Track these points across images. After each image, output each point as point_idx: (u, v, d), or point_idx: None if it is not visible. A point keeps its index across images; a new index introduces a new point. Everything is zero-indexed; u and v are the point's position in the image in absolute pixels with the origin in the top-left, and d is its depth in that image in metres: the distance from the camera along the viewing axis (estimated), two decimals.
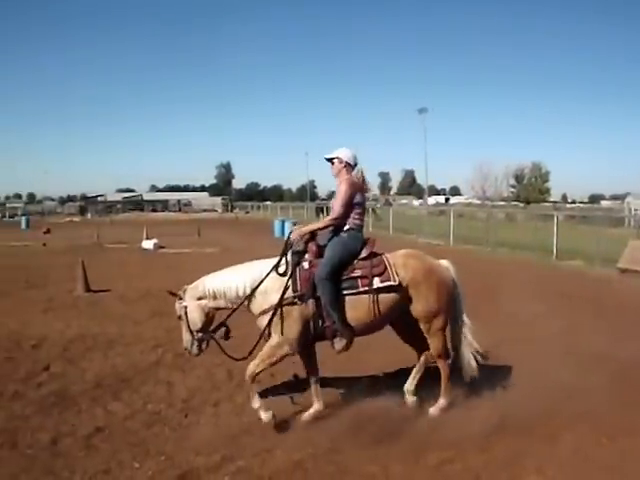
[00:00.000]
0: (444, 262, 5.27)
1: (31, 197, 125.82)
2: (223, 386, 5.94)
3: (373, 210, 40.28)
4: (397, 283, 4.83)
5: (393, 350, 5.98)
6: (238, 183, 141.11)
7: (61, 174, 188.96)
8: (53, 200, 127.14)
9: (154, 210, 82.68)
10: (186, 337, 5.09)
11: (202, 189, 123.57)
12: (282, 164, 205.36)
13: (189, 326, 5.05)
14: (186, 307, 5.09)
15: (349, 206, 4.89)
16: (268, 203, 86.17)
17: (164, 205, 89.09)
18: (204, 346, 5.13)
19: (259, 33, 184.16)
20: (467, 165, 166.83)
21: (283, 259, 4.94)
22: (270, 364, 4.86)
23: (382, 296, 4.82)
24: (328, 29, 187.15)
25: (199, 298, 5.07)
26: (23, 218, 43.56)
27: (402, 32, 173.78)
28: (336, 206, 4.89)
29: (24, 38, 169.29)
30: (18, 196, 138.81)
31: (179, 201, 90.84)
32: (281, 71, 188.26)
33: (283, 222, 28.16)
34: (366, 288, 4.80)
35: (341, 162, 5.00)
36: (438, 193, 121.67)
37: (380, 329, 5.09)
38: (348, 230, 4.94)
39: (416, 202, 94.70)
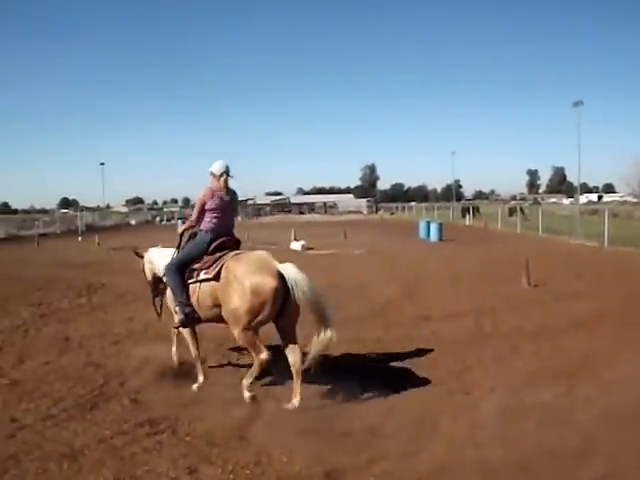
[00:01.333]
0: (284, 268, 5.34)
1: (186, 202, 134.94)
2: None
3: (521, 209, 38.15)
4: (211, 277, 5.49)
5: None
6: (383, 184, 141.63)
7: None
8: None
9: (301, 212, 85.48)
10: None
11: (347, 191, 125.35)
12: (427, 164, 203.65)
13: (146, 280, 6.73)
14: (143, 264, 6.78)
15: (201, 212, 5.82)
16: (413, 204, 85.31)
17: (310, 207, 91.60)
18: (157, 306, 6.61)
19: (401, 34, 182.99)
20: (622, 161, 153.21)
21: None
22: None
23: (203, 286, 5.58)
24: (478, 22, 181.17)
25: (148, 261, 6.65)
26: (179, 221, 46.72)
27: (554, 23, 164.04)
28: (193, 212, 5.98)
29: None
30: (174, 201, 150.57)
31: (325, 203, 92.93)
32: (425, 70, 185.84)
33: (428, 223, 27.20)
34: (194, 279, 5.67)
35: (210, 174, 5.84)
36: (590, 191, 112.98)
37: (219, 320, 5.56)
38: (200, 231, 5.85)
39: (566, 201, 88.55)
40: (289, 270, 5.34)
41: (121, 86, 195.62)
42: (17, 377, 6.39)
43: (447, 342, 7.48)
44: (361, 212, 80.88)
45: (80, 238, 32.15)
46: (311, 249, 21.26)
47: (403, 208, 76.18)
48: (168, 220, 66.78)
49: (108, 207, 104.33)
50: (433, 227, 25.75)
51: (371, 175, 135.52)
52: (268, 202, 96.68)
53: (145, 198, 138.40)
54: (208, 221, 5.81)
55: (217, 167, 5.81)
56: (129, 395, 5.71)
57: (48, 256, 21.42)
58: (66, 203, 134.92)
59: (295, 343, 5.41)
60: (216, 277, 5.47)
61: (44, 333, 8.51)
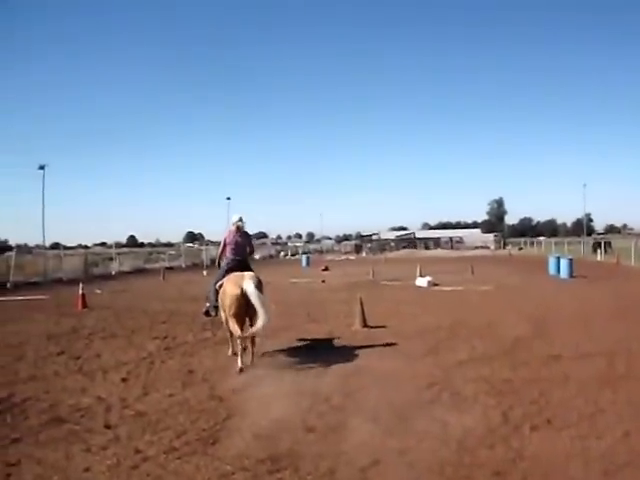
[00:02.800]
0: (244, 279, 8.52)
1: (310, 236, 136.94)
2: (498, 429, 5.73)
3: None
4: (219, 287, 9.11)
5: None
6: (511, 219, 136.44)
7: (337, 214, 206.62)
8: (330, 239, 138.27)
9: (426, 247, 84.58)
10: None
11: (474, 225, 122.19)
12: (556, 197, 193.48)
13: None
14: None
15: (224, 246, 9.68)
16: (542, 239, 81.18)
17: (436, 242, 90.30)
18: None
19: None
20: None
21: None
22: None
23: (219, 297, 9.05)
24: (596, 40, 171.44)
25: None
26: (304, 256, 48.01)
27: None
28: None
29: None
30: (299, 236, 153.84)
31: (451, 238, 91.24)
32: (554, 101, 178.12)
33: (558, 259, 25.79)
34: (217, 288, 9.22)
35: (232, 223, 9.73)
36: None
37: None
38: (225, 260, 9.63)
39: None
40: (248, 285, 8.39)
41: (245, 123, 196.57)
42: (141, 409, 6.55)
43: (578, 383, 7.17)
44: (488, 247, 78.47)
45: (205, 272, 33.48)
46: (437, 285, 21.06)
47: (532, 243, 72.85)
48: (293, 255, 68.94)
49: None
50: (563, 263, 24.47)
51: (498, 209, 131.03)
52: (393, 237, 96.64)
53: (269, 232, 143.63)
54: (229, 252, 9.53)
55: (234, 218, 9.67)
56: (251, 430, 5.76)
57: (173, 290, 22.56)
58: (192, 237, 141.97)
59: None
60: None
61: (168, 366, 8.74)
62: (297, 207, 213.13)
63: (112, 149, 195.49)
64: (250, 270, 9.15)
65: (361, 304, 12.03)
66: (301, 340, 10.52)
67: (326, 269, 34.83)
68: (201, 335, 11.50)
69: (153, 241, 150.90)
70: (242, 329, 8.51)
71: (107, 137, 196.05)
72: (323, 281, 25.12)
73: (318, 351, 9.47)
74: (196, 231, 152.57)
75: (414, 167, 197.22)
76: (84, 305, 16.39)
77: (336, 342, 10.28)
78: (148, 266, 41.60)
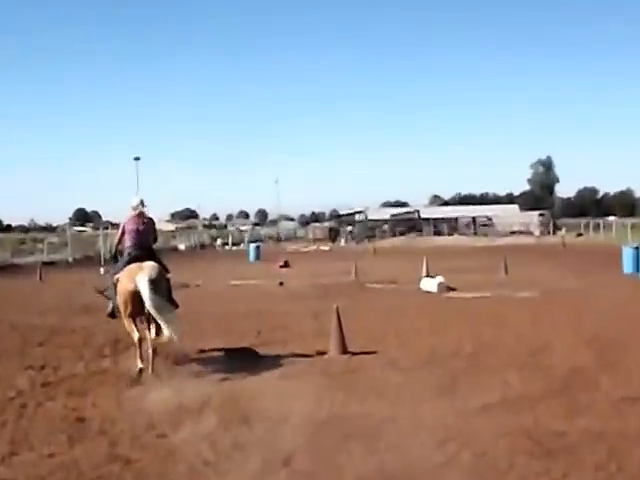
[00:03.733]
0: (139, 276, 10.21)
1: (262, 216, 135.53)
2: None
3: None
4: (115, 281, 10.94)
5: None
6: (564, 189, 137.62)
7: (302, 184, 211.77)
8: (292, 220, 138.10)
9: (437, 233, 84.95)
10: None
11: (509, 200, 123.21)
12: (633, 158, 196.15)
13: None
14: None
15: (122, 234, 11.51)
16: (612, 219, 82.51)
17: (451, 225, 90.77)
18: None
19: None
20: None
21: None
22: None
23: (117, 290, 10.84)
24: None
25: None
26: (252, 246, 48.32)
27: None
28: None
29: None
30: (244, 215, 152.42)
31: (474, 219, 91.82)
32: None
33: (637, 250, 26.13)
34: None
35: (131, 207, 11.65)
36: None
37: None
38: (126, 250, 11.39)
39: None
40: (141, 280, 10.16)
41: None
42: (7, 476, 6.51)
43: None
44: (531, 232, 79.27)
45: (103, 270, 33.25)
46: (453, 290, 21.18)
47: (597, 226, 74.01)
48: (235, 244, 68.79)
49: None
50: None
51: (546, 175, 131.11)
52: (386, 217, 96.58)
53: (200, 210, 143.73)
54: (127, 240, 11.39)
55: (133, 202, 11.61)
56: None
57: (56, 295, 22.50)
58: (83, 217, 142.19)
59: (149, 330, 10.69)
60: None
61: (48, 410, 8.76)
62: (242, 172, 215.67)
63: None
64: (155, 261, 11.09)
65: (338, 318, 12.02)
66: (248, 374, 10.49)
67: (286, 265, 34.88)
68: (96, 364, 11.49)
69: (25, 223, 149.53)
70: (139, 330, 10.61)
71: None
72: (281, 283, 25.32)
73: (273, 391, 9.43)
74: (89, 208, 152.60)
75: (417, 113, 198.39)
76: None
77: (300, 376, 10.27)
78: (17, 260, 41.65)
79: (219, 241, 71.65)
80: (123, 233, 11.58)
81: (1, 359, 11.96)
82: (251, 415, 8.31)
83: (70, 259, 44.47)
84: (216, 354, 12.06)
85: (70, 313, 17.64)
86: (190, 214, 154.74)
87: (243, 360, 11.45)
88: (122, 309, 10.60)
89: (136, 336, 10.42)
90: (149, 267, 10.39)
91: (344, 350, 11.81)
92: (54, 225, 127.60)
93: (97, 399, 9.24)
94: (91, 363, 11.61)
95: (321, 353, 11.89)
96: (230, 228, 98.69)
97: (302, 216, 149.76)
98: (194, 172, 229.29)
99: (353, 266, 27.02)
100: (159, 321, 10.16)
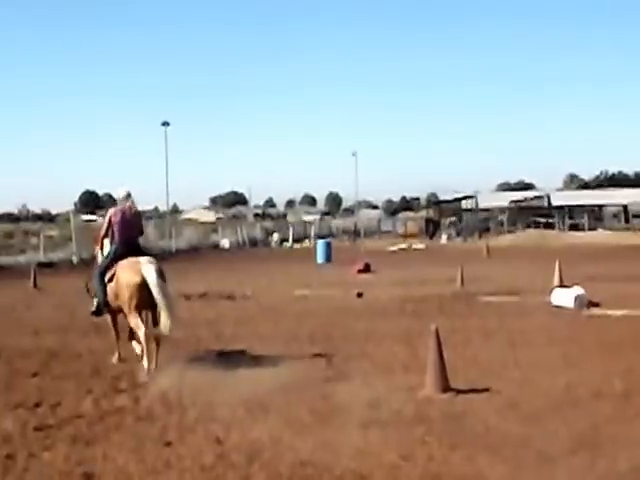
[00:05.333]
0: (145, 268, 13.21)
1: (333, 201, 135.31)
2: None
3: None
4: (109, 277, 13.73)
5: None
6: None
7: (388, 160, 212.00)
8: (375, 208, 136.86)
9: (574, 226, 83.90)
10: None
11: None
12: None
13: None
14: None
15: (108, 228, 14.24)
16: None
17: (595, 215, 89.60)
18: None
19: None
20: None
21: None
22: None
23: (110, 286, 13.66)
24: None
25: None
26: (321, 243, 48.53)
27: None
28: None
29: None
30: (310, 200, 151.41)
31: (625, 208, 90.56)
32: None
33: None
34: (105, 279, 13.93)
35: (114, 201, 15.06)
36: None
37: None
38: (113, 245, 14.20)
39: None
40: (149, 271, 13.13)
41: None
42: None
43: None
44: None
45: None
46: (596, 305, 20.91)
47: None
48: (297, 240, 68.87)
49: (177, 211, 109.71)
50: None
51: None
52: (504, 205, 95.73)
53: (250, 193, 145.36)
54: (115, 235, 14.11)
55: (121, 194, 14.42)
56: None
57: (54, 308, 22.93)
58: (92, 202, 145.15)
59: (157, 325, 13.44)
60: (110, 280, 13.71)
61: (44, 464, 8.69)
62: (308, 144, 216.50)
63: None
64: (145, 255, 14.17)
65: (438, 344, 11.95)
66: (315, 419, 10.53)
67: (366, 269, 34.93)
68: (109, 402, 11.55)
69: (15, 210, 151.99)
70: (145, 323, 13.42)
71: None
72: (360, 294, 25.33)
73: (351, 444, 9.39)
74: (100, 191, 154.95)
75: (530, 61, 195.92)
76: None
77: (387, 424, 10.19)
78: (3, 260, 42.19)
79: (276, 236, 71.56)
80: (109, 226, 14.29)
81: None
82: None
83: (75, 259, 44.93)
84: (271, 397, 11.77)
85: (74, 332, 17.77)
86: (237, 199, 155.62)
87: (308, 401, 11.44)
88: (128, 303, 13.33)
89: (142, 331, 13.17)
90: (148, 259, 13.60)
91: (446, 387, 11.72)
92: (53, 213, 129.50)
93: (109, 449, 9.21)
94: (102, 400, 11.63)
95: (414, 391, 11.83)
96: (291, 219, 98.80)
97: (388, 202, 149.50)
98: (242, 144, 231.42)
99: (458, 271, 26.98)
100: (165, 311, 13.09)
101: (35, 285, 29.99)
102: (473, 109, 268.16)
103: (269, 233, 74.08)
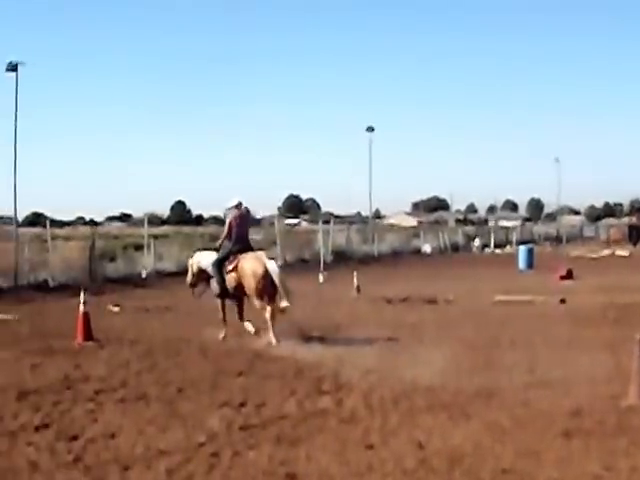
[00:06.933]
0: (268, 262, 17.49)
1: (535, 207, 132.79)
2: None
3: None
4: (232, 268, 17.69)
5: None
6: None
7: (595, 164, 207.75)
8: (577, 213, 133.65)
9: None
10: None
11: None
12: None
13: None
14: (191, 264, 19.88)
15: (228, 231, 18.41)
16: None
17: None
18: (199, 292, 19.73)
19: None
20: None
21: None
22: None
23: (231, 275, 17.80)
24: None
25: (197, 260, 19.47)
26: (523, 249, 47.52)
27: None
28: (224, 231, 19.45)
29: None
30: (512, 206, 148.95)
31: None
32: None
33: None
34: (226, 270, 17.98)
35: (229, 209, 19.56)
36: None
37: (243, 294, 17.83)
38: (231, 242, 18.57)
39: None
40: (271, 263, 17.58)
41: None
42: None
43: None
44: None
45: (322, 277, 34.50)
46: None
47: None
48: (499, 246, 68.07)
49: (379, 216, 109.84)
50: None
51: None
52: None
53: (452, 198, 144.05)
54: (230, 236, 18.08)
55: (234, 202, 18.63)
56: None
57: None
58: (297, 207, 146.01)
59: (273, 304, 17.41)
60: (233, 270, 17.66)
61: (248, 463, 8.84)
62: (509, 150, 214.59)
63: None
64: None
65: None
66: (515, 423, 10.37)
67: (568, 276, 34.16)
68: (312, 403, 11.64)
69: (221, 214, 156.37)
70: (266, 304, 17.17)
71: None
72: (563, 300, 24.96)
73: (554, 452, 9.19)
74: (304, 195, 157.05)
75: None
76: (87, 335, 17.36)
77: (589, 434, 9.92)
78: None
79: (477, 241, 70.86)
80: (230, 229, 18.14)
81: (188, 393, 12.31)
82: None
83: (279, 262, 44.54)
84: (471, 402, 11.76)
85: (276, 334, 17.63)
86: (438, 205, 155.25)
87: (509, 407, 11.30)
88: (254, 288, 17.11)
89: (268, 310, 17.09)
90: (264, 254, 18.17)
91: None
92: (258, 217, 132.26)
93: (312, 450, 9.24)
94: (305, 401, 11.70)
95: (617, 400, 11.50)
96: (491, 224, 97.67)
97: (591, 208, 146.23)
98: (444, 150, 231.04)
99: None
100: (285, 292, 17.20)
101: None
102: None
103: (471, 238, 73.45)
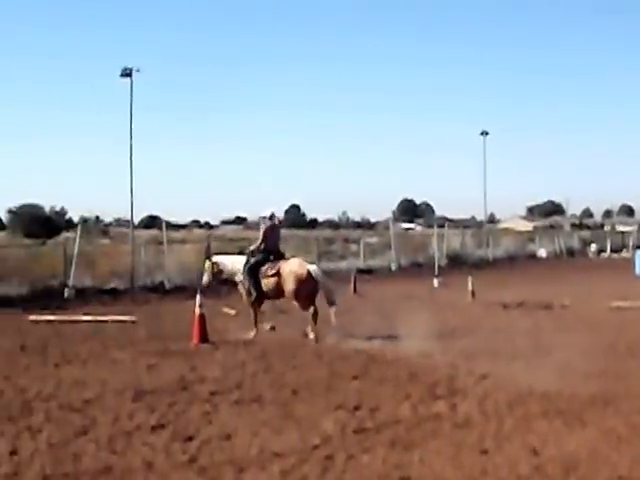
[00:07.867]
0: (310, 267, 19.18)
1: None
2: None
3: None
4: (274, 272, 19.04)
5: None
6: None
7: None
8: None
9: None
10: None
11: None
12: None
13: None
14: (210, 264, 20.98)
15: (263, 239, 19.76)
16: None
17: None
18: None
19: None
20: None
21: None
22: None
23: (271, 279, 19.10)
24: None
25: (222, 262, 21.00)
26: (638, 255, 45.41)
27: None
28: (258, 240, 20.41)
29: None
30: (628, 211, 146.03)
31: None
32: None
33: None
34: (265, 274, 19.27)
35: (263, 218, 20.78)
36: None
37: (280, 296, 19.39)
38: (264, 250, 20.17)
39: None
40: (313, 267, 19.37)
41: None
42: None
43: None
44: None
45: (436, 281, 34.26)
46: None
47: None
48: (616, 251, 66.67)
49: (493, 220, 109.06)
50: None
51: None
52: None
53: (567, 203, 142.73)
54: (265, 244, 19.53)
55: (267, 213, 20.13)
56: None
57: (368, 314, 22.94)
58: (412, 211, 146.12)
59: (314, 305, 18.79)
60: (276, 274, 18.93)
61: (363, 466, 8.92)
62: (627, 153, 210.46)
63: None
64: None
65: None
66: (632, 430, 10.17)
67: None
68: (427, 407, 11.63)
69: (335, 217, 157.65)
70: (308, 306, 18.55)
71: None
72: None
73: None
74: (418, 200, 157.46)
75: None
76: (203, 337, 17.75)
77: None
78: (324, 265, 42.01)
79: (593, 246, 69.45)
80: (265, 238, 19.52)
81: (303, 395, 12.42)
82: None
83: (393, 266, 45.21)
84: (587, 409, 11.55)
85: (390, 337, 17.88)
86: (554, 209, 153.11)
87: (626, 414, 11.12)
88: (296, 291, 18.53)
89: (311, 310, 18.55)
90: (301, 259, 20.05)
91: None
92: (372, 221, 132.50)
93: (426, 454, 9.26)
94: (420, 405, 11.70)
95: None
96: (607, 228, 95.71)
97: None
98: (560, 154, 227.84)
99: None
100: (331, 294, 18.93)
101: (355, 290, 30.80)
102: None
103: (586, 243, 72.04)
